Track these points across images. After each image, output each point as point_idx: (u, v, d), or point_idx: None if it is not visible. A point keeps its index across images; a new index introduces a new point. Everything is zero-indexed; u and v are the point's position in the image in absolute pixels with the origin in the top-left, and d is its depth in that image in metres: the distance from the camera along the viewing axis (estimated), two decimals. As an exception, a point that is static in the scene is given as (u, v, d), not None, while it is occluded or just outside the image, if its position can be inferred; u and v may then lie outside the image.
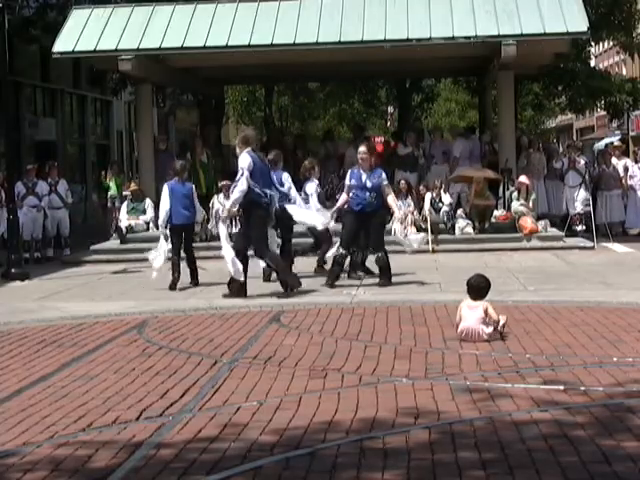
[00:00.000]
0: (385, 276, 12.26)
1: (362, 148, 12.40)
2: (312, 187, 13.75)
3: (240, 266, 11.34)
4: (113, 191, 20.86)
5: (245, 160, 11.32)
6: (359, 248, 12.72)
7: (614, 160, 20.11)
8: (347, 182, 12.41)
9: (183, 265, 12.94)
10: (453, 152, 19.72)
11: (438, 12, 17.71)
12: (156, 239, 17.76)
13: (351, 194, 12.20)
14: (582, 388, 6.34)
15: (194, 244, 14.43)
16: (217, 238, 17.60)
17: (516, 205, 17.64)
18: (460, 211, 17.88)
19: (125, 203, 18.90)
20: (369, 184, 12.05)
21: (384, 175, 12.34)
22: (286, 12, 18.13)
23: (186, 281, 12.91)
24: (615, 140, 32.66)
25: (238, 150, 11.53)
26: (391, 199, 12.42)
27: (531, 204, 17.69)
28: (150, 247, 17.13)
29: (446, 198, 18.24)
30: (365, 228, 12.22)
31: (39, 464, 5.03)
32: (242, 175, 11.28)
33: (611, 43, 32.24)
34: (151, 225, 18.59)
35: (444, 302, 10.42)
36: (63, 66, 25.94)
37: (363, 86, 34.00)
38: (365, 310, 10.18)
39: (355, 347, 8.06)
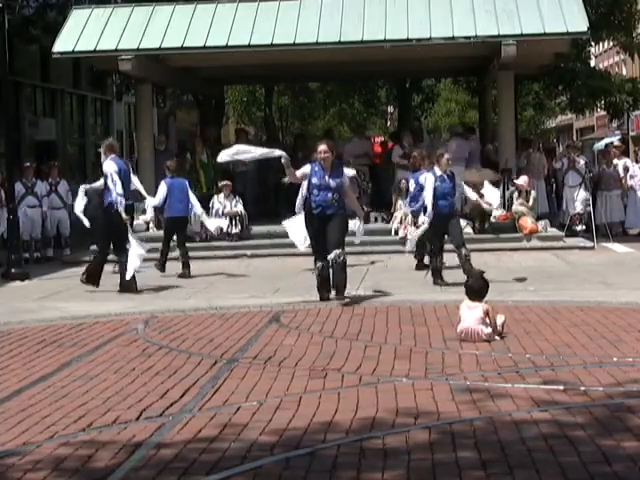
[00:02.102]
0: (341, 286, 11.02)
1: (322, 146, 11.28)
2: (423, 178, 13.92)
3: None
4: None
5: (111, 165, 12.45)
6: (439, 252, 12.38)
7: (615, 160, 20.12)
8: (305, 170, 11.26)
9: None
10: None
11: (438, 12, 17.71)
12: (156, 239, 17.86)
13: (310, 195, 11.08)
14: (582, 388, 6.33)
15: (195, 244, 16.57)
16: (216, 238, 17.78)
17: (516, 205, 17.64)
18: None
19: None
20: (332, 184, 11.02)
21: (346, 173, 11.50)
22: (286, 12, 18.14)
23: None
24: (616, 140, 32.67)
25: (103, 157, 12.68)
26: (354, 201, 11.66)
27: (531, 203, 17.67)
28: (150, 247, 17.21)
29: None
30: (324, 229, 11.03)
31: (39, 464, 5.02)
32: (112, 180, 12.36)
33: (611, 43, 32.22)
34: (151, 225, 18.61)
35: (444, 302, 10.42)
36: (63, 66, 25.91)
37: (363, 86, 34.00)
38: (365, 310, 10.19)
39: (355, 347, 8.06)
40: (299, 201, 11.52)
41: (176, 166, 14.88)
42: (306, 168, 11.26)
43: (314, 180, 11.04)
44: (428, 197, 12.31)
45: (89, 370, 7.47)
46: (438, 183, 12.36)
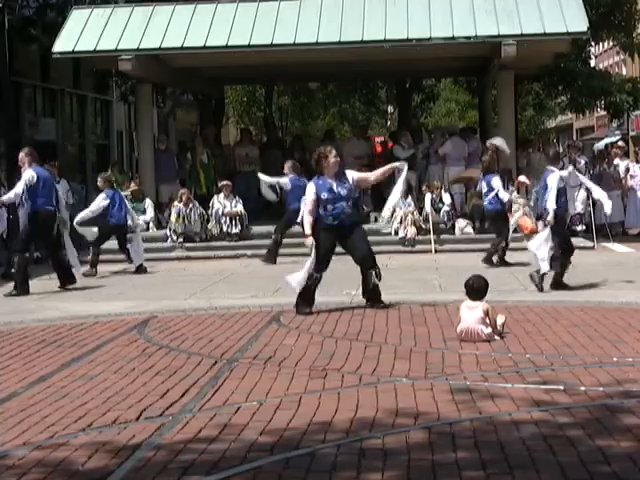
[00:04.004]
0: (378, 297, 10.54)
1: (334, 152, 10.63)
2: (497, 181, 14.74)
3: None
4: (113, 191, 20.85)
5: (28, 174, 12.89)
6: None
7: (617, 160, 20.11)
8: (312, 196, 10.30)
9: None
10: (439, 151, 19.65)
11: (438, 12, 17.72)
12: (157, 238, 17.90)
13: (321, 210, 10.28)
14: (582, 388, 6.34)
15: (195, 244, 17.59)
16: (216, 238, 17.80)
17: (516, 205, 17.62)
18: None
19: (125, 203, 18.92)
20: (343, 192, 10.34)
21: (351, 174, 10.74)
22: (286, 12, 18.14)
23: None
24: (619, 141, 32.62)
25: (27, 164, 13.02)
26: (376, 173, 11.00)
27: (532, 203, 17.64)
28: (149, 247, 17.30)
29: (446, 198, 18.26)
30: (345, 241, 10.43)
31: (39, 464, 5.03)
32: (20, 185, 12.95)
33: (611, 43, 32.23)
34: (151, 225, 18.64)
35: (444, 302, 10.43)
36: (63, 66, 25.88)
37: (363, 86, 34.01)
38: (365, 310, 10.18)
39: (355, 347, 8.06)
40: (305, 219, 10.47)
41: (111, 179, 16.42)
42: (311, 192, 10.38)
43: (324, 195, 10.29)
44: (552, 197, 11.50)
45: (89, 370, 7.47)
46: (563, 183, 11.70)
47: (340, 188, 10.36)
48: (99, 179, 15.94)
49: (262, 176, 16.25)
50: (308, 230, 10.32)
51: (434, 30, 17.38)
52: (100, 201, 15.40)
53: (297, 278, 10.30)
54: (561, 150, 32.97)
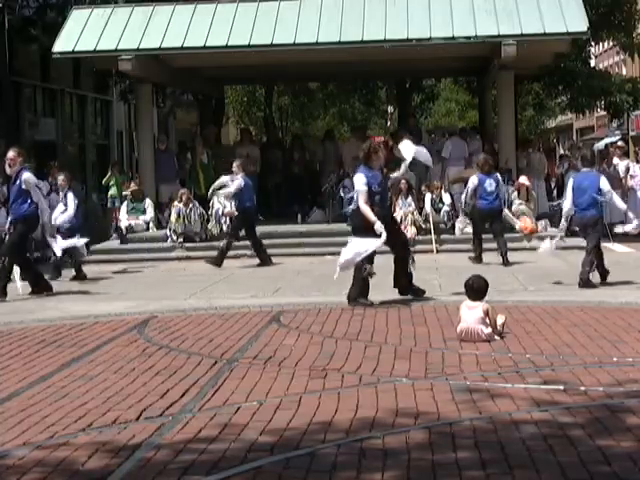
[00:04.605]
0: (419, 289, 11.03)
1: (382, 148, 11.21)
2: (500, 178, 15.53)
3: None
4: (113, 191, 20.90)
5: (32, 177, 12.41)
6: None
7: (616, 160, 20.10)
8: (365, 188, 10.48)
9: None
10: (442, 153, 19.63)
11: (438, 12, 17.72)
12: (157, 238, 17.91)
13: (371, 202, 10.56)
14: (582, 388, 6.34)
15: (195, 244, 17.66)
16: (216, 238, 17.79)
17: (516, 205, 17.63)
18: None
19: (125, 203, 18.93)
20: (386, 183, 10.92)
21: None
22: (286, 12, 18.14)
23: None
24: (619, 140, 32.60)
25: (17, 167, 12.40)
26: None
27: (532, 204, 17.65)
28: (150, 247, 17.30)
29: (446, 198, 18.26)
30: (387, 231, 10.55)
31: (39, 464, 5.03)
32: (38, 192, 12.47)
33: (611, 43, 32.23)
34: (151, 225, 18.64)
35: (444, 302, 10.43)
36: (63, 66, 25.90)
37: (363, 86, 34.01)
38: (365, 310, 10.18)
39: (355, 347, 8.06)
40: (365, 208, 10.49)
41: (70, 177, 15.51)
42: (363, 183, 10.50)
43: (375, 188, 10.53)
44: (619, 198, 12.37)
45: (89, 370, 7.47)
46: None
47: (384, 180, 10.90)
48: (63, 177, 14.94)
49: (221, 192, 15.96)
50: (374, 217, 10.39)
51: (434, 30, 17.39)
52: (73, 200, 14.54)
53: (347, 257, 10.49)
54: (562, 151, 32.98)
